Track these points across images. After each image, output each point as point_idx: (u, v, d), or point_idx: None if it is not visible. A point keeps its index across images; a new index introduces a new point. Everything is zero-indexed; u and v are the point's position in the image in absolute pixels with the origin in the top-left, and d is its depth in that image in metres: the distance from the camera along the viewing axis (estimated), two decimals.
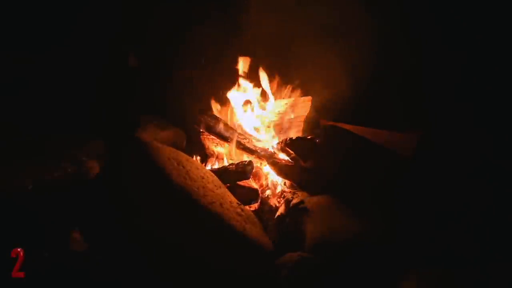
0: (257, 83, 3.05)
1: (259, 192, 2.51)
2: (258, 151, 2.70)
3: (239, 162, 2.54)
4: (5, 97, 2.84)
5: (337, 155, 2.41)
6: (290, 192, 2.51)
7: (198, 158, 2.90)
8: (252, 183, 2.61)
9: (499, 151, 2.45)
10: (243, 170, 2.47)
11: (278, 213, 2.25)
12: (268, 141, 2.89)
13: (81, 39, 3.21)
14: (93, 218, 1.87)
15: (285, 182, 2.61)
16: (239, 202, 2.11)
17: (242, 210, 2.03)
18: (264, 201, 2.45)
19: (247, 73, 3.08)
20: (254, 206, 2.43)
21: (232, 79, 3.03)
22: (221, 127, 2.80)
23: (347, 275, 1.74)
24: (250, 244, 1.78)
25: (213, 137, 2.86)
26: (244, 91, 3.03)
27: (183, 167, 1.95)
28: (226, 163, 2.77)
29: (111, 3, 3.24)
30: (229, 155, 2.89)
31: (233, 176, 2.47)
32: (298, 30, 3.12)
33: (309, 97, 3.05)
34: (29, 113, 2.79)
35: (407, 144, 2.47)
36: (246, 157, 2.77)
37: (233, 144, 2.76)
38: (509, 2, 2.77)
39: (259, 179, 2.69)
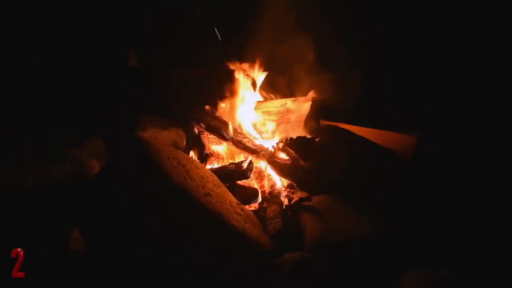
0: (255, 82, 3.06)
1: (259, 192, 2.51)
2: (258, 150, 2.70)
3: (239, 162, 2.54)
4: (5, 97, 2.84)
5: (337, 155, 2.41)
6: (290, 192, 2.52)
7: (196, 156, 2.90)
8: (252, 183, 2.61)
9: (498, 151, 2.46)
10: (243, 170, 2.47)
11: (278, 213, 2.25)
12: (268, 141, 2.89)
13: (81, 39, 3.22)
14: (93, 218, 1.87)
15: (285, 182, 2.60)
16: (238, 202, 2.11)
17: (242, 209, 2.03)
18: (264, 201, 2.45)
19: (247, 73, 3.09)
20: (254, 205, 2.43)
21: (231, 79, 3.03)
22: (221, 126, 2.80)
23: (347, 275, 1.74)
24: (250, 244, 1.78)
25: (213, 136, 2.86)
26: (244, 90, 3.03)
27: (183, 166, 1.95)
28: (226, 163, 2.77)
29: (111, 3, 3.25)
30: (229, 154, 2.89)
31: (233, 175, 2.47)
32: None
33: (310, 97, 3.05)
34: (29, 113, 2.79)
35: (407, 144, 2.48)
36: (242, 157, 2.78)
37: (233, 144, 2.76)
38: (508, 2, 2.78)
39: (259, 179, 2.69)
